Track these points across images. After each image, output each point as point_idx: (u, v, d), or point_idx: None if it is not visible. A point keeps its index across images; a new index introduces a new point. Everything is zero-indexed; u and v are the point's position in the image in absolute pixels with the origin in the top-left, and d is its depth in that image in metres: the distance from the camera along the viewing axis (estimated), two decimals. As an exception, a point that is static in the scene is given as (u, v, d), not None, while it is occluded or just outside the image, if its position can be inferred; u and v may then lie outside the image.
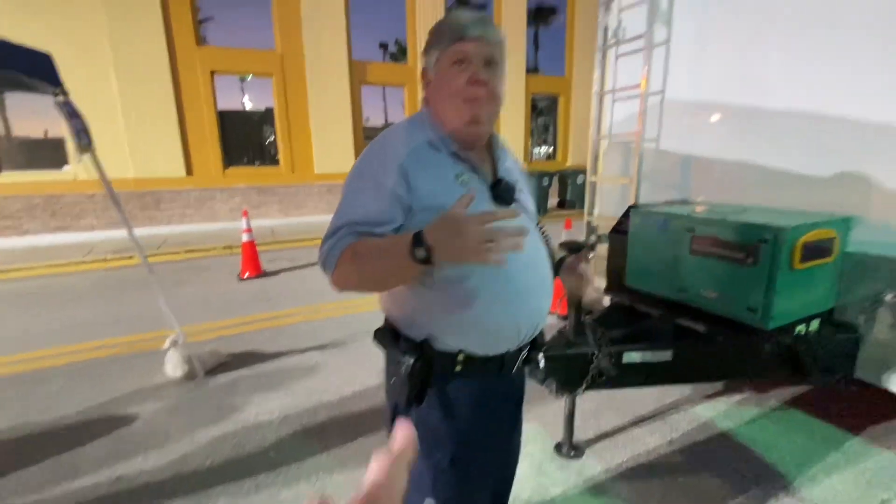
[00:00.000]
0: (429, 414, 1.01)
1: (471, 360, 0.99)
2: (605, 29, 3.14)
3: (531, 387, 1.86)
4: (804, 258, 1.85)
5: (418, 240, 0.76)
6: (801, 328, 2.02)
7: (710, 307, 2.06)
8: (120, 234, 8.03)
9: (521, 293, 0.98)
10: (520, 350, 1.06)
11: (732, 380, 2.62)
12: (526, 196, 1.08)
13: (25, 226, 7.71)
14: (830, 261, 1.98)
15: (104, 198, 7.97)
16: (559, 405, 2.31)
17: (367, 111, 10.41)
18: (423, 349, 0.96)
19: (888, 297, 1.96)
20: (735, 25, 2.44)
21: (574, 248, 1.89)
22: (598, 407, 2.56)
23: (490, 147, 1.06)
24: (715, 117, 2.61)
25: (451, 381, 0.99)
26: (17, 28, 6.90)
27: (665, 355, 2.02)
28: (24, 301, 4.95)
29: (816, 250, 1.90)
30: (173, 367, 2.95)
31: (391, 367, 1.03)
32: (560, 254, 1.91)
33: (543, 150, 13.39)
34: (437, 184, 0.91)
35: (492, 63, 0.92)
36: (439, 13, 10.33)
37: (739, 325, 1.97)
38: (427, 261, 0.76)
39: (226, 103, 9.11)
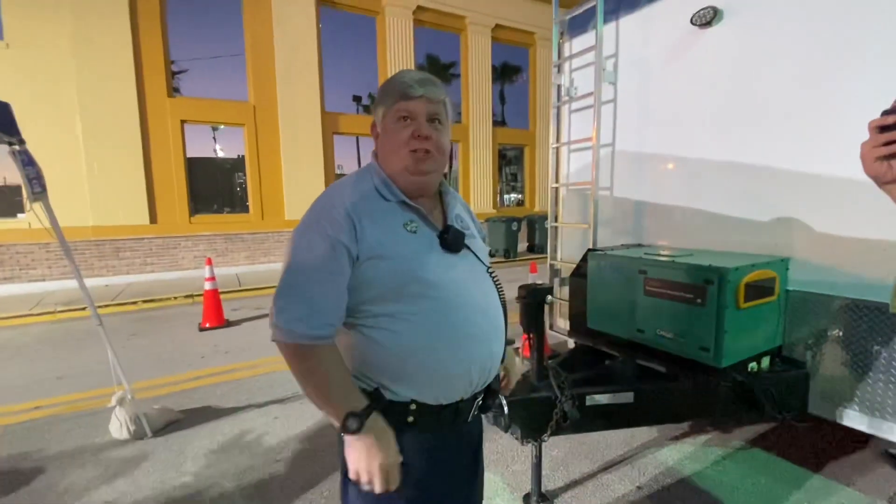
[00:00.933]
0: None
1: (423, 409, 0.97)
2: (559, 87, 3.38)
3: (497, 435, 1.82)
4: (748, 297, 1.95)
5: (352, 422, 0.89)
6: (753, 366, 2.08)
7: (667, 347, 2.12)
8: (72, 284, 7.68)
9: (470, 339, 0.99)
10: (474, 397, 1.05)
11: (694, 420, 2.64)
12: (477, 242, 1.10)
13: (-34, 277, 7.25)
14: (773, 300, 2.09)
15: (58, 247, 7.63)
16: (526, 453, 2.26)
17: (341, 159, 10.61)
18: (372, 400, 0.94)
19: (831, 334, 2.06)
20: (670, 88, 2.68)
21: (532, 292, 1.94)
22: (566, 454, 2.51)
23: (440, 195, 1.10)
24: (660, 168, 2.80)
25: (404, 433, 0.96)
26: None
27: (627, 397, 2.04)
28: (-43, 359, 4.56)
29: (759, 290, 2.01)
30: (118, 427, 2.74)
31: None
32: (521, 297, 1.94)
33: (513, 196, 13.86)
34: (384, 233, 0.93)
35: (435, 119, 0.98)
36: (409, 68, 10.88)
37: (695, 364, 2.02)
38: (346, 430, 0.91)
39: (197, 150, 9.11)
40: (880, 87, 1.83)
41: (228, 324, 5.51)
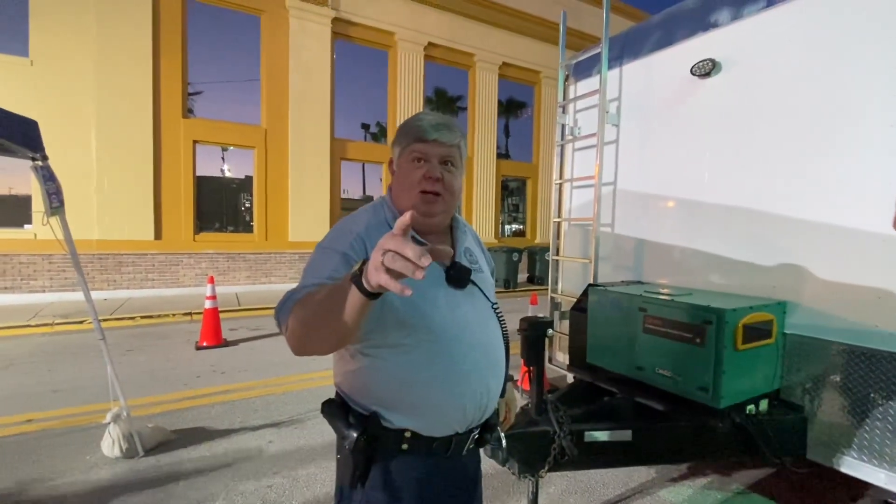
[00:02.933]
0: (373, 495, 0.98)
1: (417, 439, 0.98)
2: (563, 127, 3.51)
3: (493, 470, 1.81)
4: (746, 339, 1.98)
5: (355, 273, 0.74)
6: (751, 408, 2.09)
7: (665, 386, 2.13)
8: (71, 297, 7.68)
9: (467, 374, 1.00)
10: (469, 432, 1.05)
11: (693, 461, 2.62)
12: (484, 277, 1.13)
13: (-34, 286, 7.26)
14: (771, 342, 2.12)
15: (62, 259, 7.69)
16: (522, 489, 2.23)
17: (347, 184, 10.80)
18: (368, 424, 0.96)
19: (829, 378, 2.08)
20: (671, 132, 2.80)
21: (533, 325, 1.98)
22: (562, 491, 2.47)
23: (451, 229, 1.12)
24: (661, 208, 2.88)
25: (396, 460, 0.97)
26: (3, 95, 7.07)
27: (625, 435, 2.04)
28: (-49, 368, 4.53)
29: (757, 332, 2.04)
30: (110, 445, 2.71)
31: (338, 441, 1.02)
32: (522, 329, 1.97)
33: (515, 227, 14.00)
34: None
35: (447, 162, 1.01)
36: (418, 100, 11.23)
37: (694, 404, 2.03)
38: (361, 286, 0.72)
39: (206, 169, 9.29)
40: (876, 136, 1.91)
41: (226, 343, 5.48)
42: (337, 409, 1.01)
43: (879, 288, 1.90)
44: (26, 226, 7.73)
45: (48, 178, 2.33)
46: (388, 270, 0.64)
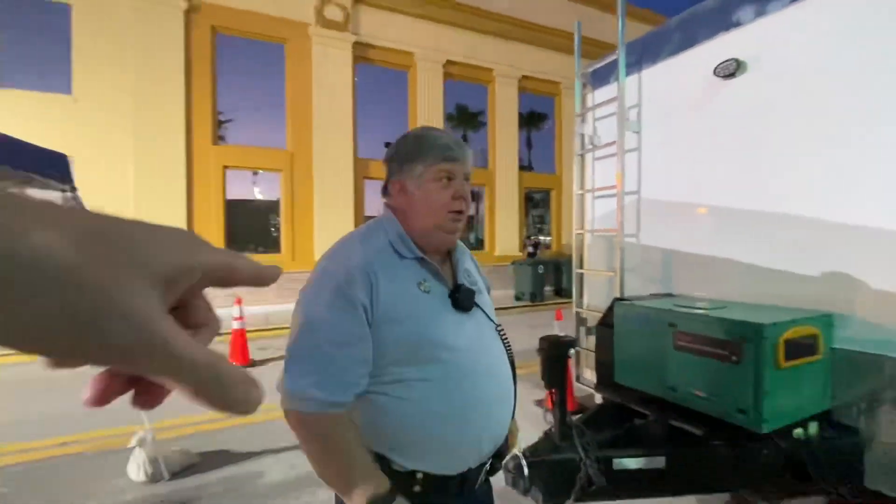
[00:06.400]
0: None
1: (430, 479, 0.93)
2: (582, 136, 3.43)
3: (517, 499, 1.71)
4: (789, 356, 1.81)
5: None
6: (798, 431, 1.91)
7: (701, 407, 1.98)
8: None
9: (480, 406, 0.95)
10: (482, 465, 0.99)
11: (733, 489, 2.41)
12: (484, 298, 1.08)
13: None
14: (818, 358, 1.94)
15: (103, 283, 8.06)
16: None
17: (370, 202, 10.94)
18: (379, 467, 0.91)
19: (887, 397, 1.88)
20: (696, 137, 2.67)
21: (554, 344, 1.88)
22: (594, 521, 2.32)
23: (449, 251, 1.07)
24: (689, 216, 2.74)
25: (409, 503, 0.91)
26: (49, 130, 7.56)
27: (658, 462, 1.89)
28: (-2, 391, 4.76)
29: (801, 348, 1.87)
30: (136, 468, 2.74)
31: None
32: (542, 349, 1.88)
33: (541, 239, 13.81)
34: (399, 293, 0.92)
35: (468, 178, 1.01)
36: (438, 117, 11.34)
37: (734, 427, 1.87)
38: None
39: (237, 193, 9.62)
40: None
41: (253, 363, 5.56)
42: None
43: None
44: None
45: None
46: None
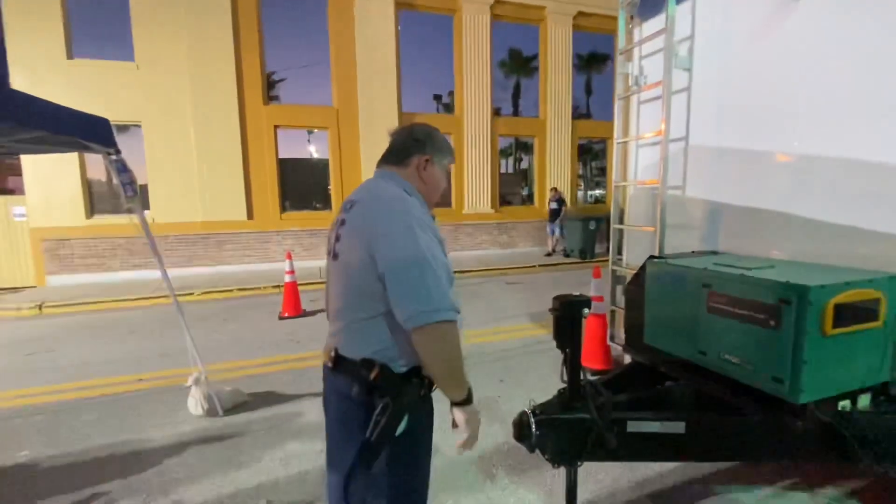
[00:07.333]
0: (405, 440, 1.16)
1: (427, 380, 1.22)
2: (627, 76, 3.09)
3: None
4: (839, 322, 1.61)
5: (468, 399, 1.18)
6: (844, 404, 1.72)
7: (732, 373, 1.83)
8: (187, 272, 8.84)
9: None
10: None
11: (757, 461, 2.26)
12: None
13: (108, 263, 8.66)
14: (878, 325, 1.70)
15: (176, 240, 8.84)
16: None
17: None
18: (415, 376, 1.18)
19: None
20: (758, 71, 2.31)
21: (565, 305, 1.79)
22: (613, 478, 2.30)
23: None
24: (743, 165, 2.43)
25: (426, 403, 1.25)
26: (118, 97, 8.10)
27: (677, 427, 1.80)
28: (92, 332, 5.47)
29: (856, 312, 1.64)
30: (194, 404, 3.07)
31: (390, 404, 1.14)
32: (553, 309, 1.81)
33: (598, 192, 13.15)
34: (434, 237, 1.20)
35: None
36: (485, 65, 10.77)
37: (768, 397, 1.72)
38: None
39: (292, 152, 9.93)
40: None
41: (305, 314, 5.92)
42: (401, 380, 1.17)
43: None
44: (146, 212, 8.94)
45: (122, 169, 2.61)
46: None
